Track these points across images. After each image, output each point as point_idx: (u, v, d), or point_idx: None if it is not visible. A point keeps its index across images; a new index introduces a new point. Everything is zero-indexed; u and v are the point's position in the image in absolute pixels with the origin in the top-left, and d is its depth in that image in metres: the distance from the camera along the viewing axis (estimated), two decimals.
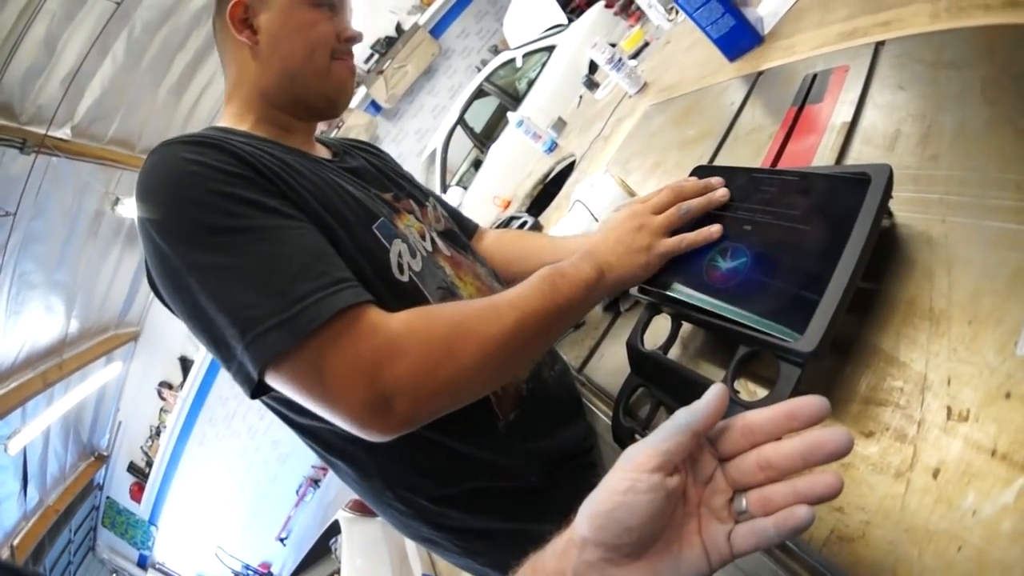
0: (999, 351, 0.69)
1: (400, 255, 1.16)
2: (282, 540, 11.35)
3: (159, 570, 11.74)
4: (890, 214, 0.94)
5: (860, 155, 1.16)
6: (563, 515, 0.68)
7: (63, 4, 5.91)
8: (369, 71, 11.62)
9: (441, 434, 1.13)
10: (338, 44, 1.31)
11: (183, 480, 11.41)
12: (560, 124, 4.37)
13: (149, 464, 11.42)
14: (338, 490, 9.19)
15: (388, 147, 11.41)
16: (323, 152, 1.38)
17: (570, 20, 8.18)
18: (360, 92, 11.65)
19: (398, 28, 11.98)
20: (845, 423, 0.80)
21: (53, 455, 9.34)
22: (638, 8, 4.06)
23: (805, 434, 0.59)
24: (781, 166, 1.32)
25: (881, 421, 0.76)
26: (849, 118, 1.24)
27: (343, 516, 5.51)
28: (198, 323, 0.92)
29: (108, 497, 11.58)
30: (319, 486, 11.29)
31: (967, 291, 0.78)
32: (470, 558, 1.37)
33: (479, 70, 9.87)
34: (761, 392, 0.93)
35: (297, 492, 11.42)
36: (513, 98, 7.69)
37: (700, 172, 1.22)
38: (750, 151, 1.51)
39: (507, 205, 4.49)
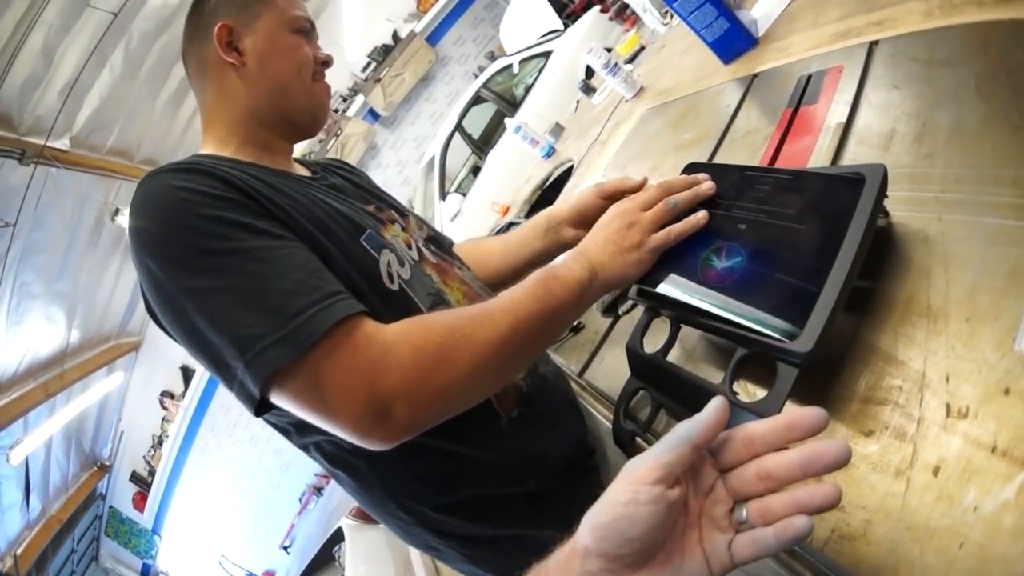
0: (997, 347, 0.69)
1: (389, 264, 1.17)
2: (286, 548, 11.33)
3: None
4: (886, 213, 0.94)
5: (856, 155, 1.16)
6: (565, 520, 0.68)
7: (60, 15, 5.90)
8: (366, 79, 11.65)
9: (442, 439, 1.12)
10: (316, 66, 1.38)
11: (186, 489, 11.40)
12: (558, 129, 4.38)
13: (152, 473, 11.40)
14: (341, 498, 9.17)
15: (386, 155, 11.48)
16: (303, 172, 1.40)
17: (566, 26, 8.20)
18: (358, 100, 11.70)
19: (394, 36, 12.01)
20: (844, 422, 0.80)
21: (55, 465, 9.33)
22: (633, 13, 4.07)
23: (804, 445, 0.59)
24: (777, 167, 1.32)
25: (880, 420, 0.76)
26: (844, 118, 1.24)
27: (347, 523, 5.49)
28: (197, 346, 0.94)
29: (111, 507, 11.56)
30: (322, 494, 11.27)
31: (964, 288, 0.78)
32: (474, 564, 1.37)
33: (476, 76, 9.89)
34: (760, 392, 0.93)
35: (300, 500, 11.40)
36: (510, 104, 7.70)
37: (691, 169, 1.21)
38: (746, 153, 1.51)
39: (506, 211, 4.50)
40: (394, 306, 1.13)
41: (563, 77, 7.03)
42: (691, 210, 1.11)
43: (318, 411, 0.89)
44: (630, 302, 1.51)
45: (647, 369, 1.16)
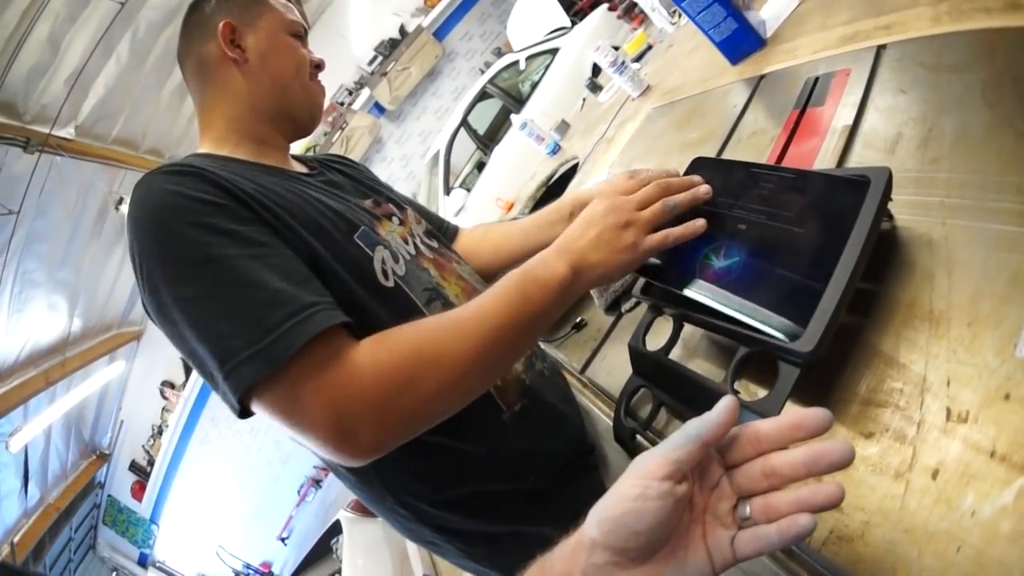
0: (998, 353, 0.69)
1: (384, 261, 1.19)
2: (283, 540, 11.35)
3: (160, 569, 11.73)
4: (891, 216, 0.95)
5: (861, 158, 1.17)
6: (564, 517, 0.69)
7: (67, 4, 5.90)
8: (373, 73, 11.65)
9: (441, 436, 1.12)
10: (311, 68, 1.46)
11: (185, 479, 11.41)
12: (563, 127, 4.38)
13: (151, 463, 11.42)
14: (339, 490, 9.19)
15: (391, 149, 11.48)
16: (300, 168, 1.45)
17: (573, 23, 8.20)
18: (364, 94, 11.70)
19: (401, 30, 12.00)
20: (845, 424, 0.80)
21: (54, 453, 9.35)
22: (641, 11, 4.07)
23: (809, 445, 0.60)
24: None
25: (881, 422, 0.76)
26: (850, 121, 1.24)
27: (344, 516, 5.51)
28: (184, 351, 0.96)
29: (109, 495, 11.58)
30: (321, 486, 11.29)
31: (967, 293, 0.78)
32: (472, 560, 1.37)
33: (483, 72, 9.90)
34: (761, 392, 0.93)
35: (299, 492, 11.42)
36: (516, 100, 7.70)
37: (698, 163, 1.22)
38: (752, 154, 1.51)
39: (510, 207, 4.50)
40: (390, 303, 1.15)
41: (570, 74, 7.03)
42: (689, 214, 1.08)
43: (292, 426, 0.90)
44: (633, 300, 1.51)
45: (649, 367, 1.17)
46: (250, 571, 11.57)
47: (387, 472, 1.21)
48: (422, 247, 1.37)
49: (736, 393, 0.90)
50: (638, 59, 3.57)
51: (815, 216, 0.92)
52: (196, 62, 1.37)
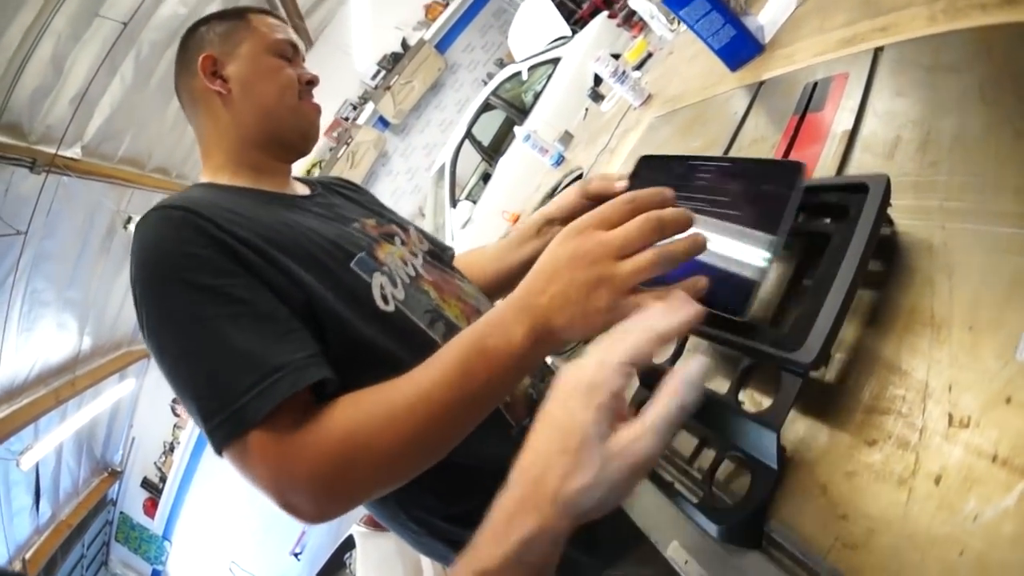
0: (999, 356, 0.69)
1: (382, 287, 1.21)
2: (296, 555, 11.33)
3: None
4: (891, 222, 0.95)
5: (861, 163, 1.17)
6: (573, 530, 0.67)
7: (69, 24, 5.93)
8: (376, 87, 11.74)
9: (452, 452, 1.13)
10: (300, 87, 1.46)
11: (197, 495, 11.44)
12: (567, 137, 4.40)
13: (163, 479, 11.48)
14: None
15: (397, 162, 11.59)
16: (302, 190, 1.47)
17: (574, 32, 8.23)
18: (368, 108, 11.80)
19: (404, 44, 12.10)
20: (849, 432, 0.80)
21: (66, 470, 9.40)
22: (640, 19, 4.08)
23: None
24: None
25: (884, 429, 0.76)
26: (850, 126, 1.25)
27: (357, 531, 5.50)
28: (176, 393, 1.01)
29: (122, 512, 11.65)
30: None
31: (968, 297, 0.78)
32: None
33: (485, 83, 9.94)
34: (766, 402, 0.93)
35: None
36: (520, 111, 7.74)
37: (645, 163, 1.19)
38: None
39: (516, 219, 4.53)
40: (392, 328, 1.17)
41: (572, 84, 7.05)
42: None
43: (254, 485, 0.96)
44: None
45: (654, 379, 1.17)
46: None
47: (399, 488, 1.22)
48: (422, 269, 1.37)
49: (740, 403, 0.91)
50: (639, 67, 3.59)
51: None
52: (187, 95, 1.42)
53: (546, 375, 1.42)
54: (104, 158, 7.57)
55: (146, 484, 11.63)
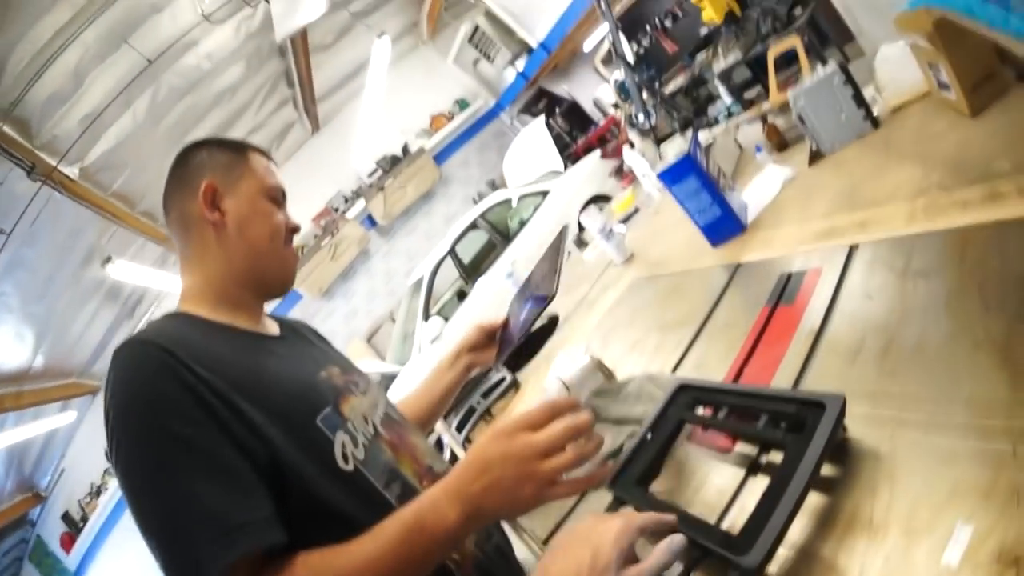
0: (927, 558, 0.78)
1: (344, 445, 1.27)
2: None
3: None
4: (844, 428, 1.05)
5: (824, 365, 1.27)
6: None
7: (98, 41, 6.07)
8: (370, 185, 11.95)
9: None
10: (287, 234, 1.57)
11: (115, 547, 11.06)
12: None
13: (84, 519, 11.13)
14: None
15: (376, 263, 11.83)
16: (272, 329, 1.55)
17: (566, 166, 8.50)
18: (359, 204, 12.01)
19: (404, 149, 12.48)
20: None
21: None
22: (631, 171, 4.25)
23: None
24: (747, 372, 1.44)
25: None
26: (817, 325, 1.36)
27: None
28: (139, 529, 1.07)
29: (39, 535, 11.30)
30: None
31: (906, 503, 0.87)
32: None
33: (476, 202, 10.15)
34: None
35: None
36: (504, 236, 7.92)
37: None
38: (723, 347, 1.61)
39: None
40: (350, 487, 1.24)
41: (558, 219, 7.29)
42: None
43: None
44: None
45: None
46: None
47: None
48: (381, 427, 1.44)
49: None
50: (624, 220, 3.74)
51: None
52: (179, 215, 1.49)
53: (493, 536, 1.48)
54: (99, 186, 7.56)
55: (66, 519, 11.27)
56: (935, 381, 1.02)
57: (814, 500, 0.99)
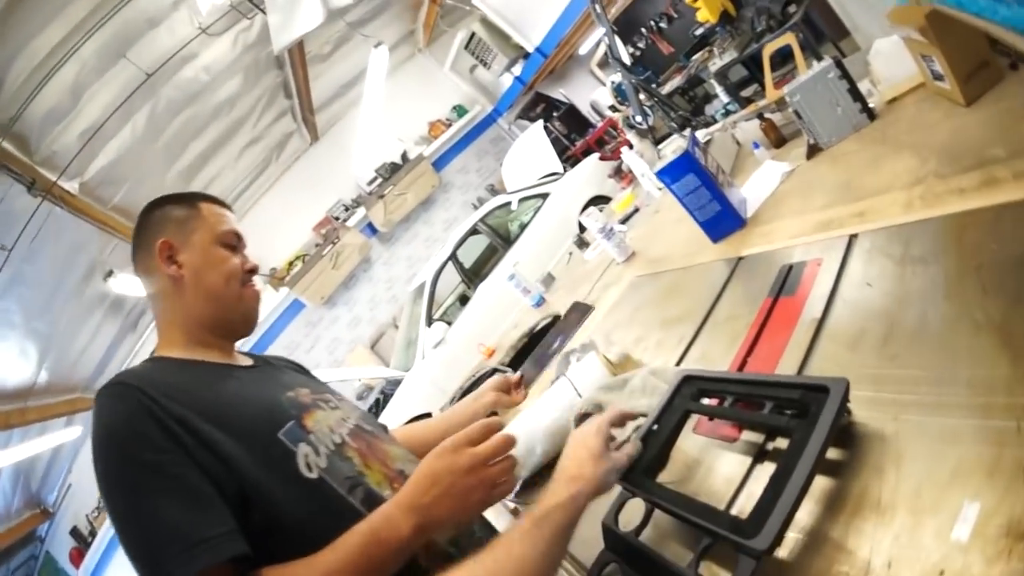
0: (936, 536, 0.79)
1: (307, 456, 1.31)
2: None
3: None
4: (849, 412, 1.06)
5: (826, 352, 1.29)
6: None
7: (96, 55, 6.05)
8: (370, 193, 11.93)
9: None
10: (244, 275, 1.64)
11: (123, 561, 11.00)
12: (549, 279, 4.50)
13: (92, 534, 11.08)
14: None
15: (378, 270, 11.83)
16: (244, 362, 1.64)
17: (565, 169, 8.50)
18: (359, 212, 11.97)
19: (403, 156, 12.42)
20: None
21: (1, 493, 9.16)
22: (631, 171, 4.25)
23: None
24: (751, 362, 1.46)
25: None
26: (819, 314, 1.37)
27: None
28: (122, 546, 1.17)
29: (48, 551, 11.25)
30: None
31: (912, 483, 0.88)
32: None
33: (475, 207, 10.15)
34: (725, 575, 1.02)
35: None
36: (505, 240, 7.91)
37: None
38: (727, 339, 1.63)
39: (491, 354, 4.56)
40: (314, 494, 1.28)
41: (558, 223, 7.28)
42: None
43: None
44: None
45: (620, 545, 1.25)
46: None
47: None
48: (348, 437, 1.47)
49: None
50: (625, 220, 3.75)
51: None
52: (144, 272, 1.59)
53: (461, 539, 1.51)
54: (99, 201, 7.51)
55: (75, 534, 11.22)
56: (937, 363, 1.03)
57: (821, 483, 1.00)
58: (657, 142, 4.10)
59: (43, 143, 6.30)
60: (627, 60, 5.95)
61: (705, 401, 1.32)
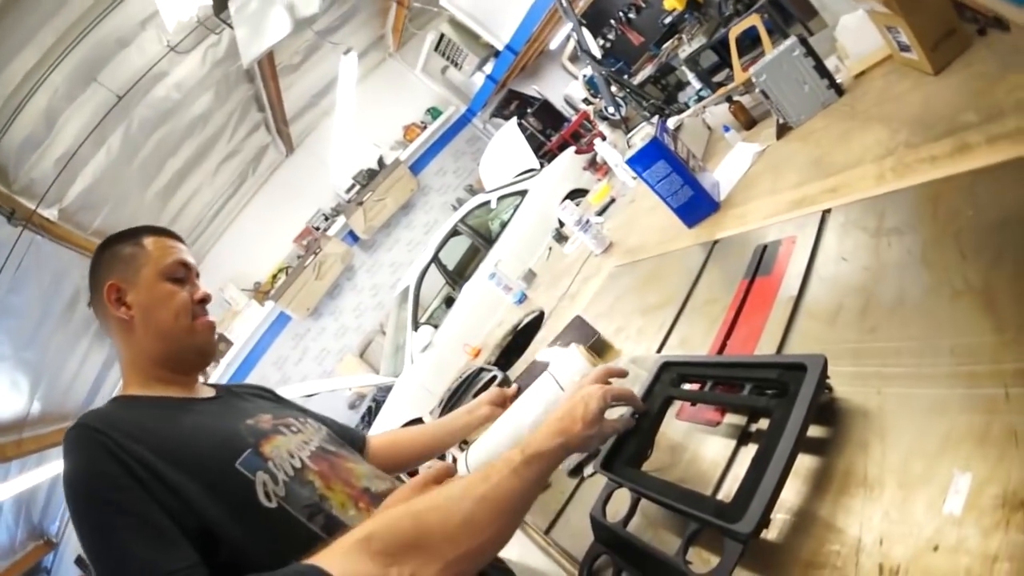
0: (928, 509, 0.78)
1: (265, 484, 1.31)
2: None
3: None
4: (830, 388, 1.05)
5: (805, 330, 1.27)
6: None
7: (67, 81, 5.92)
8: (349, 201, 11.89)
9: None
10: (195, 306, 1.63)
11: None
12: (530, 275, 4.49)
13: None
14: None
15: (362, 278, 11.77)
16: (206, 393, 1.64)
17: (542, 164, 8.49)
18: (339, 221, 11.92)
19: (380, 162, 12.37)
20: None
21: (4, 527, 9.08)
22: (605, 162, 4.25)
23: None
24: (731, 344, 1.45)
25: None
26: (795, 292, 1.35)
27: None
28: None
29: None
30: None
31: (899, 456, 0.87)
32: None
33: (455, 208, 10.15)
34: (714, 559, 1.00)
35: None
36: (486, 240, 7.90)
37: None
38: (706, 323, 1.62)
39: (477, 353, 4.55)
40: (274, 522, 1.29)
41: (538, 218, 7.26)
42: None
43: None
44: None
45: (609, 536, 1.24)
46: None
47: None
48: (309, 460, 1.47)
49: (688, 563, 0.99)
50: (601, 212, 3.74)
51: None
52: (100, 313, 1.61)
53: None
54: (79, 227, 7.45)
55: (80, 563, 11.14)
56: (918, 333, 1.02)
57: (806, 462, 0.99)
58: (630, 132, 4.08)
59: (20, 172, 6.24)
60: (597, 53, 5.94)
61: (686, 386, 1.31)
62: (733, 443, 1.18)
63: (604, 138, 4.29)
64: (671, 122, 3.27)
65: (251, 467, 1.32)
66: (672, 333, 1.76)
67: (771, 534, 0.95)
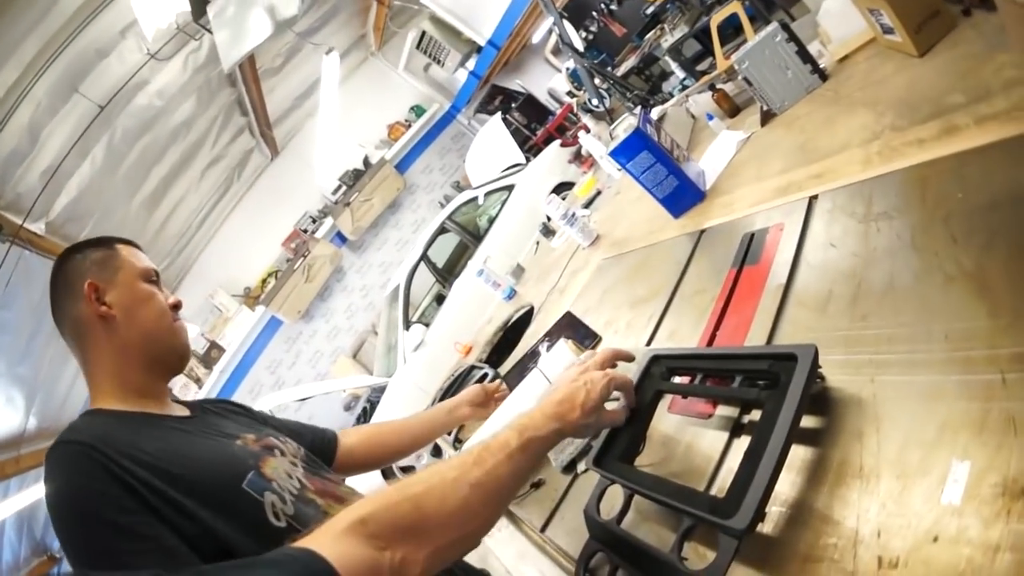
0: (927, 500, 0.76)
1: (273, 504, 1.30)
2: None
3: None
4: (822, 378, 1.03)
5: (795, 318, 1.26)
6: None
7: (48, 95, 5.92)
8: (336, 202, 11.84)
9: None
10: (170, 310, 1.60)
11: None
12: (519, 271, 4.48)
13: None
14: None
15: (352, 279, 11.74)
16: (181, 411, 1.58)
17: (528, 159, 8.48)
18: (327, 223, 11.89)
19: (365, 162, 12.32)
20: None
21: (7, 544, 9.05)
22: (590, 155, 4.24)
23: None
24: (720, 335, 1.43)
25: None
26: (784, 281, 1.34)
27: None
28: None
29: None
30: None
31: (896, 446, 0.85)
32: None
33: (442, 205, 10.13)
34: (710, 555, 0.98)
35: None
36: (474, 236, 7.89)
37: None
38: (695, 314, 1.61)
39: (468, 351, 4.54)
40: (283, 541, 1.20)
41: (525, 213, 7.25)
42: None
43: None
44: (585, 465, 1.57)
45: (603, 534, 1.23)
46: None
47: None
48: (304, 479, 1.46)
49: (683, 559, 0.97)
50: (588, 204, 3.72)
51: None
52: (72, 323, 1.52)
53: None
54: (66, 239, 7.37)
55: None
56: (910, 320, 1.00)
57: (800, 454, 0.97)
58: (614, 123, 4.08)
59: (6, 188, 6.22)
60: (579, 45, 5.94)
61: (676, 379, 1.30)
62: (726, 435, 1.16)
63: (588, 131, 4.26)
64: (655, 112, 3.26)
65: (258, 488, 1.30)
66: (661, 326, 1.74)
67: (767, 527, 0.94)
